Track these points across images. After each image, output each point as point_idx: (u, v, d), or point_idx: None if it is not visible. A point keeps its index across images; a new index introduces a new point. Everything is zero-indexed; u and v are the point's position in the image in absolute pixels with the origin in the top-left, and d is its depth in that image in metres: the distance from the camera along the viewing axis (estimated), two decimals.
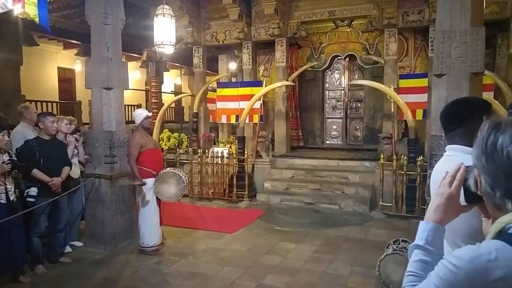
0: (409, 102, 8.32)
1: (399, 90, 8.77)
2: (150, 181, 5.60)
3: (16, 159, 4.66)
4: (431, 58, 7.64)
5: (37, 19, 6.46)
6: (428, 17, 9.02)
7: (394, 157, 7.66)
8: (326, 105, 12.71)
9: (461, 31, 4.31)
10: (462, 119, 1.88)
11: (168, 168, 5.92)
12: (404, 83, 8.98)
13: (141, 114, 5.83)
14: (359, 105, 12.33)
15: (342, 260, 5.45)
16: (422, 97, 8.56)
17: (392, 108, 8.87)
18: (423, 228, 1.28)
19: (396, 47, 9.57)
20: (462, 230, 1.61)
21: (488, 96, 7.52)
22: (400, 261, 4.44)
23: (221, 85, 11.20)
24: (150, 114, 5.99)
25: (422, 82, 8.69)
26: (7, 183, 4.51)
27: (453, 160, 1.84)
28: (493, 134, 1.08)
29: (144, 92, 18.32)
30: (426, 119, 8.21)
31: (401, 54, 10.45)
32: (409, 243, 4.70)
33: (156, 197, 5.66)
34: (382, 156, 7.90)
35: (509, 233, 1.04)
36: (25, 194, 4.83)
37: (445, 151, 1.96)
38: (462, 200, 1.27)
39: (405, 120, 8.56)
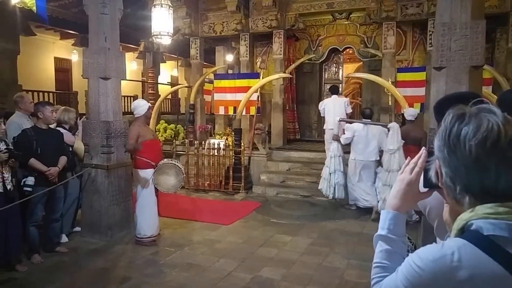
0: (407, 95, 8.31)
1: (396, 84, 8.79)
2: (148, 172, 5.59)
3: (12, 148, 4.64)
4: (430, 52, 7.64)
5: (34, 8, 6.42)
6: (427, 10, 8.99)
7: None
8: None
9: (461, 24, 4.29)
10: None
11: (166, 159, 5.90)
12: (402, 76, 9.01)
13: (145, 104, 5.87)
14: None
15: (339, 253, 5.45)
16: (420, 91, 8.58)
17: (390, 102, 8.87)
18: (384, 218, 1.29)
19: (394, 41, 9.55)
20: None
21: (486, 90, 7.53)
22: None
23: (218, 76, 11.16)
24: (150, 104, 6.03)
25: (420, 76, 8.71)
26: (4, 172, 4.50)
27: None
28: (456, 126, 1.01)
29: (141, 83, 18.25)
30: (424, 113, 8.21)
31: (399, 47, 10.45)
32: (407, 238, 4.71)
33: (154, 187, 5.65)
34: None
35: (471, 230, 1.00)
36: (22, 183, 4.82)
37: None
38: (421, 186, 1.25)
39: (403, 114, 8.56)
